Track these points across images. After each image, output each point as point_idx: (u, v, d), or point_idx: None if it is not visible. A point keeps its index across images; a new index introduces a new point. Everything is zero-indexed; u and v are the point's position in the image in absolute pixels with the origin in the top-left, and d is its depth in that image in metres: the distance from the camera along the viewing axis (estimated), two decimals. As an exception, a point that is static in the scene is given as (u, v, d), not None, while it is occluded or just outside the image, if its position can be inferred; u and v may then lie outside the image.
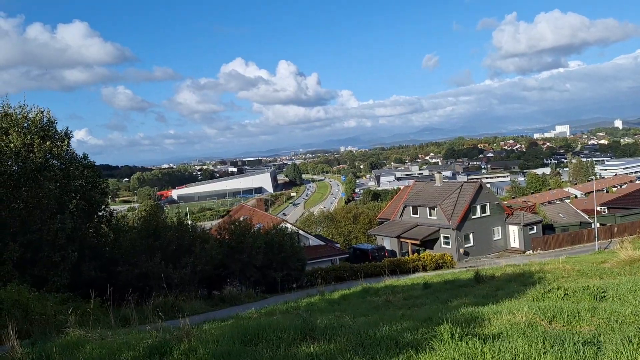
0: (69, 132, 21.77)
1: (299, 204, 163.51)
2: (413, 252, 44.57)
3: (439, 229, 44.94)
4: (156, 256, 20.36)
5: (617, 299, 8.80)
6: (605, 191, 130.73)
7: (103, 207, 22.32)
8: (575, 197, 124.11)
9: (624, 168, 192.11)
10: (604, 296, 9.45)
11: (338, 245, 45.47)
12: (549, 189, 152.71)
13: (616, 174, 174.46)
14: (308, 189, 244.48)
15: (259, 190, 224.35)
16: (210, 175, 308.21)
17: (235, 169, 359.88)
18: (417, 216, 47.16)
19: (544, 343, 5.74)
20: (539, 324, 6.77)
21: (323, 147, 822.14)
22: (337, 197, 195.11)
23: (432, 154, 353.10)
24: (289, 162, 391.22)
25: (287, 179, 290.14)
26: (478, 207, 45.42)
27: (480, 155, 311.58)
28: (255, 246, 23.91)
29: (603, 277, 13.69)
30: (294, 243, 27.81)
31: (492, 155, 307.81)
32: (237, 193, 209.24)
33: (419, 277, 28.47)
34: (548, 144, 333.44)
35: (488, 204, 46.24)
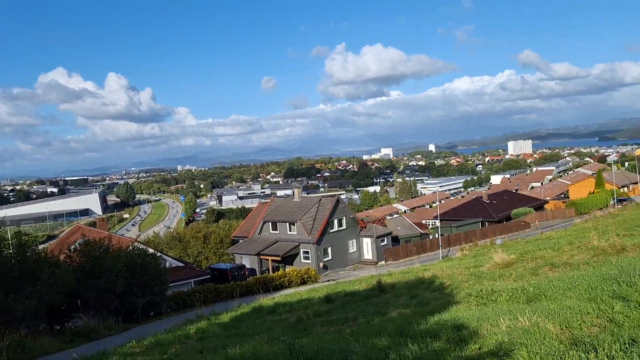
0: None
1: (128, 230, 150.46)
2: (273, 269, 43.55)
3: (299, 244, 44.68)
4: (-11, 287, 16.04)
5: (564, 298, 8.74)
6: (428, 206, 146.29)
7: None
8: (405, 212, 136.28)
9: (440, 186, 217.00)
10: (540, 296, 9.41)
11: (194, 266, 42.35)
12: (380, 205, 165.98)
13: (434, 191, 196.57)
14: (143, 210, 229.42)
15: (86, 212, 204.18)
16: (25, 197, 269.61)
17: (55, 190, 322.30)
18: (277, 232, 46.38)
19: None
20: (548, 328, 6.15)
21: (159, 165, 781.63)
22: (177, 217, 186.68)
23: (273, 173, 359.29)
24: (121, 182, 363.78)
25: (118, 199, 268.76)
26: (335, 221, 46.33)
27: (318, 175, 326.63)
28: (116, 269, 20.47)
29: (500, 279, 14.13)
30: (158, 264, 24.68)
31: (328, 174, 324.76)
32: (59, 216, 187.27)
33: (292, 292, 27.57)
34: (376, 164, 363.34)
35: (344, 217, 47.46)
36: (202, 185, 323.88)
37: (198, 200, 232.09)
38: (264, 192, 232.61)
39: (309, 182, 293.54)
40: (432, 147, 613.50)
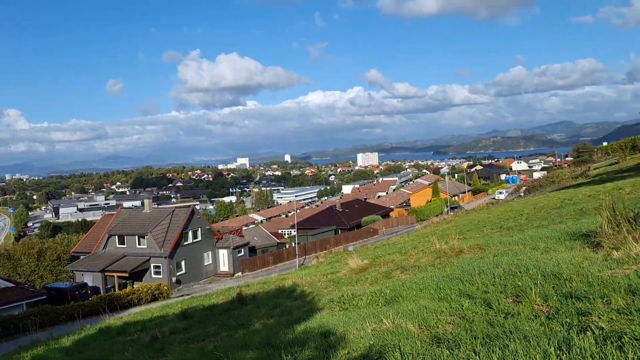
0: None
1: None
2: (120, 286, 40.42)
3: (150, 258, 42.07)
4: None
5: (418, 299, 9.30)
6: (285, 216, 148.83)
7: None
8: (261, 222, 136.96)
9: (296, 196, 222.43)
10: (397, 298, 9.92)
11: (27, 286, 37.48)
12: (237, 216, 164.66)
13: (290, 201, 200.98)
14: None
15: None
16: None
17: None
18: (125, 246, 43.11)
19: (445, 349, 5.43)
20: (410, 329, 6.41)
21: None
22: (5, 232, 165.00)
23: (119, 183, 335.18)
24: None
25: None
26: (190, 233, 44.59)
27: (170, 185, 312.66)
28: None
29: (358, 284, 14.69)
30: (-20, 287, 21.24)
31: (181, 184, 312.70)
32: None
33: (143, 310, 25.91)
34: (232, 174, 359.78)
35: (200, 229, 45.93)
36: (35, 197, 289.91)
37: (30, 213, 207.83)
38: (109, 203, 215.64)
39: (160, 192, 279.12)
40: (287, 158, 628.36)
